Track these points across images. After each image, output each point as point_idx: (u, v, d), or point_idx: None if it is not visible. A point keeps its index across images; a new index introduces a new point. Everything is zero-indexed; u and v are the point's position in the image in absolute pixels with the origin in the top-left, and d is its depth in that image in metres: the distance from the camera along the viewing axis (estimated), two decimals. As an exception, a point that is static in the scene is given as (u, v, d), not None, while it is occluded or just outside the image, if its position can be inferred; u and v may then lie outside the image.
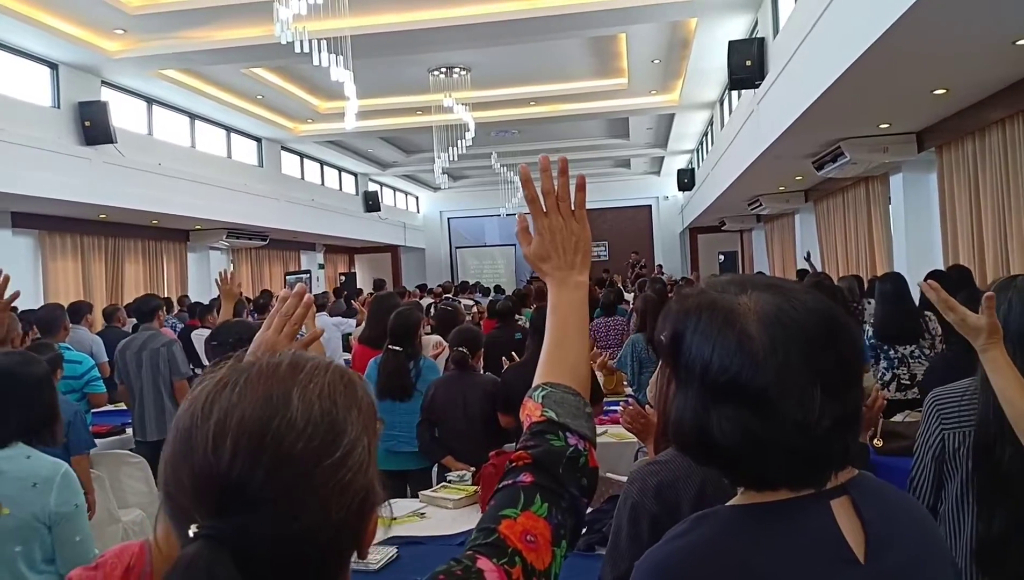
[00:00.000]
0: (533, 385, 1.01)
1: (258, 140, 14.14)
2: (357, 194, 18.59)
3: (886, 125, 7.22)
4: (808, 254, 10.16)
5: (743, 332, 0.85)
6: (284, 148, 15.02)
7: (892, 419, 3.64)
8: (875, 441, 3.45)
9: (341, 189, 18.19)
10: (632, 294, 10.17)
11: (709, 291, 0.92)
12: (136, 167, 9.84)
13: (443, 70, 11.06)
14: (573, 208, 1.09)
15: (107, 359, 5.66)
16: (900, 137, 7.59)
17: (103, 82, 9.94)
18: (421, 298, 11.51)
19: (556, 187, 1.08)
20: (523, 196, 1.10)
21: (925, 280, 1.79)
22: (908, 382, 4.07)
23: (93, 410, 4.79)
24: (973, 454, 1.79)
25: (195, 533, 0.63)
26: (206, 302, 8.25)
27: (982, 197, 6.55)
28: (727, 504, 0.92)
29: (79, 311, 6.13)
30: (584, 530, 2.57)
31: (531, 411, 0.97)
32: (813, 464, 0.86)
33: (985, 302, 1.66)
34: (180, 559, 0.62)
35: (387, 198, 20.28)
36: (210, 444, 0.65)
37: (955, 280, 4.22)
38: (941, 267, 6.63)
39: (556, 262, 1.08)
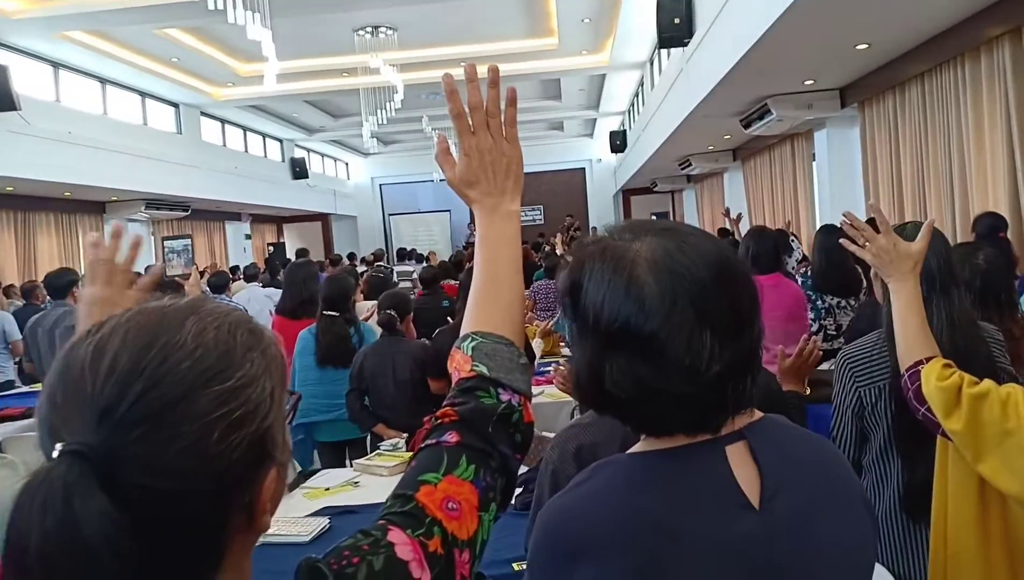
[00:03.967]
0: (462, 333, 0.92)
1: (175, 105, 13.53)
2: (283, 161, 18.04)
3: (811, 81, 7.32)
4: (739, 216, 10.27)
5: (632, 278, 0.83)
6: (204, 113, 14.41)
7: (818, 368, 3.73)
8: (803, 390, 3.53)
9: (266, 156, 17.61)
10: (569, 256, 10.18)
11: (605, 238, 0.89)
12: (44, 136, 9.27)
13: (368, 29, 10.72)
14: (503, 126, 0.98)
15: (20, 336, 5.43)
16: (824, 93, 7.71)
17: (1, 44, 9.30)
18: (353, 266, 11.29)
19: (485, 101, 0.97)
20: (447, 111, 0.97)
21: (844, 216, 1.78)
22: (834, 332, 4.16)
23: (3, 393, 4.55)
24: (891, 406, 1.82)
25: (60, 451, 0.55)
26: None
27: (902, 151, 6.73)
28: (626, 452, 0.90)
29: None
30: (520, 490, 2.54)
31: (460, 365, 0.89)
32: (705, 409, 0.85)
33: (925, 226, 1.67)
34: (35, 475, 0.54)
35: (315, 165, 19.74)
36: (88, 359, 0.58)
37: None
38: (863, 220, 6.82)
39: (485, 187, 0.98)
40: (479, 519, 0.78)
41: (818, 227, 8.56)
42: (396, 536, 0.72)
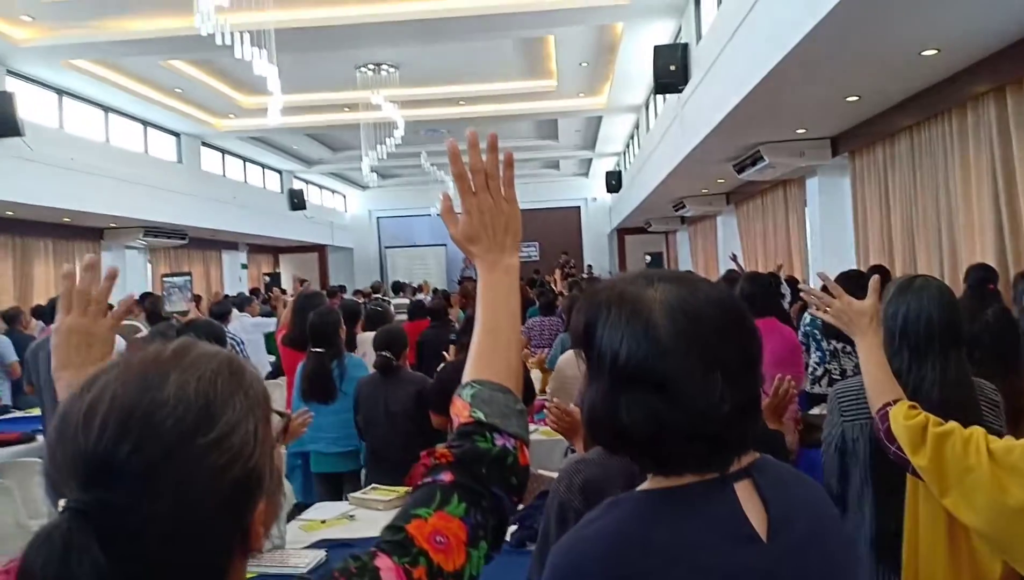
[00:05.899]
0: (463, 381, 1.00)
1: (177, 135, 13.67)
2: (282, 192, 18.16)
3: (803, 130, 7.49)
4: (733, 255, 10.42)
5: (649, 321, 0.90)
6: (204, 143, 14.57)
7: (810, 412, 3.77)
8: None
9: (265, 187, 17.74)
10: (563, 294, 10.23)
11: (619, 283, 0.97)
12: (46, 162, 9.35)
13: (371, 67, 10.91)
14: (502, 187, 1.06)
15: (16, 359, 5.46)
16: (816, 142, 7.89)
17: (8, 71, 9.43)
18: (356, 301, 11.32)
19: (485, 164, 1.05)
20: (450, 173, 1.06)
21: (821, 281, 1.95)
22: (839, 377, 4.13)
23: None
24: (868, 446, 1.89)
25: (62, 508, 0.62)
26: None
27: (891, 200, 6.87)
28: (636, 490, 0.95)
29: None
30: (515, 527, 2.59)
31: (459, 410, 0.96)
32: (716, 448, 0.90)
33: (872, 285, 1.83)
34: (41, 531, 0.61)
35: (313, 196, 19.88)
36: (82, 419, 0.65)
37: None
38: (854, 266, 6.93)
39: (486, 244, 1.05)
40: (467, 554, 0.83)
41: (813, 272, 8.71)
42: (382, 562, 0.78)
